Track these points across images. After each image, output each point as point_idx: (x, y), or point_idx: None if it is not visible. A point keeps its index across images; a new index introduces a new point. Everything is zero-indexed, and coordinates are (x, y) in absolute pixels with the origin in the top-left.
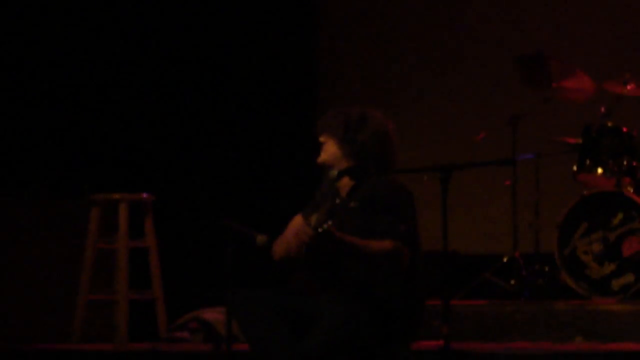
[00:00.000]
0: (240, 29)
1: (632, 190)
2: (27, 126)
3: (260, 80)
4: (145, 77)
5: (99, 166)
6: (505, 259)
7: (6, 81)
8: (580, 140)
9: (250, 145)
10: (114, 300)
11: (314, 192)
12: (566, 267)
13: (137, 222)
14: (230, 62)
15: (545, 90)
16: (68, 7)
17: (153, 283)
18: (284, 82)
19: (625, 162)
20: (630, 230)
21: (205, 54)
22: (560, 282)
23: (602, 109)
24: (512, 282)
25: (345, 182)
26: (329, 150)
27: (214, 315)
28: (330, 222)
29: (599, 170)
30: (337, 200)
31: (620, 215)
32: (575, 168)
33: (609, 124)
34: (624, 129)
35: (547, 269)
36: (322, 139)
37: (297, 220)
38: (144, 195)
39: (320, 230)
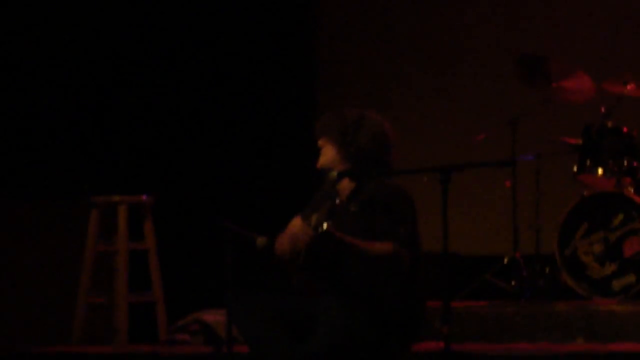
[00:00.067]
0: (239, 30)
1: (632, 191)
2: (26, 128)
3: (259, 81)
4: (144, 80)
5: (98, 168)
6: (505, 260)
7: (6, 82)
8: (580, 141)
9: (250, 146)
10: (114, 303)
11: (313, 193)
12: (567, 267)
13: (137, 224)
14: (229, 63)
15: (545, 90)
16: (67, 9)
17: (153, 285)
18: (283, 83)
19: (625, 163)
20: (631, 231)
21: (204, 57)
22: (561, 283)
23: (602, 109)
24: (513, 283)
25: (346, 185)
26: (328, 154)
27: (214, 317)
28: (330, 222)
29: (600, 171)
30: (337, 202)
31: (620, 216)
32: (575, 168)
33: (609, 125)
34: (625, 129)
35: (547, 269)
36: (320, 142)
37: (297, 221)
38: (144, 197)
39: (320, 230)
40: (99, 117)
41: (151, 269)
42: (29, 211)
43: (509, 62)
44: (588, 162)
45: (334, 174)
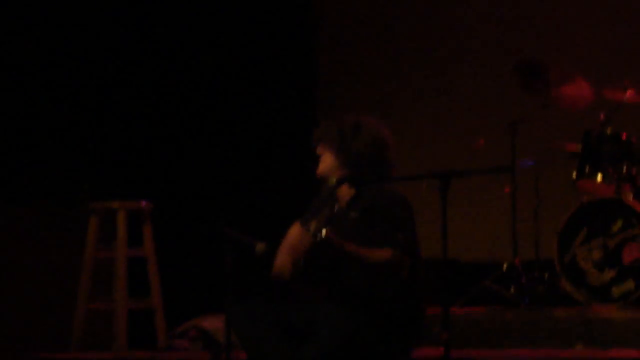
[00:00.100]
0: (239, 36)
1: (631, 197)
2: (25, 135)
3: (258, 85)
4: (144, 87)
5: (97, 174)
6: (505, 266)
7: (7, 88)
8: (579, 147)
9: (249, 152)
10: (113, 309)
11: (312, 199)
12: (566, 274)
13: (136, 230)
14: (228, 69)
15: (545, 96)
16: (66, 11)
17: (152, 291)
18: (283, 87)
19: (624, 169)
20: (630, 237)
21: (205, 64)
22: (560, 289)
23: (602, 116)
24: (512, 289)
25: (345, 192)
26: (326, 162)
27: (213, 323)
28: (329, 229)
29: (599, 177)
30: (336, 208)
31: (620, 222)
32: (574, 175)
33: (609, 131)
34: (624, 136)
35: (547, 276)
36: (319, 150)
37: (295, 229)
38: (143, 203)
39: (319, 236)
40: (99, 122)
41: (150, 275)
42: (28, 217)
43: (509, 69)
44: (587, 169)
45: (333, 180)
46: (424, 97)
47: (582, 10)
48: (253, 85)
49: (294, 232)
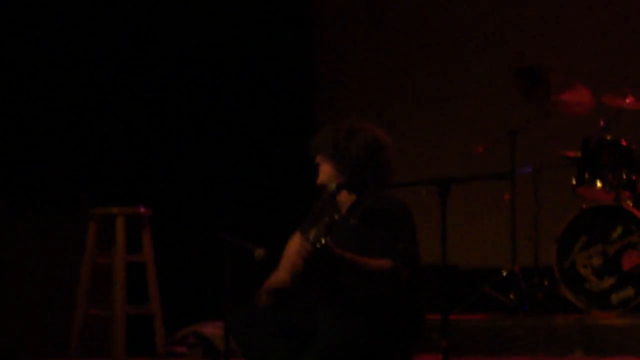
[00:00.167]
0: (237, 41)
1: (631, 204)
2: (24, 140)
3: (258, 87)
4: (142, 90)
5: (96, 180)
6: (504, 273)
7: (6, 94)
8: (579, 154)
9: (249, 158)
10: (112, 315)
11: (312, 205)
12: (565, 280)
13: (135, 236)
14: (227, 75)
15: (544, 103)
16: (65, 14)
17: (151, 297)
18: (282, 94)
19: (624, 176)
20: (630, 244)
21: (203, 70)
22: (559, 296)
23: (601, 122)
24: (511, 296)
25: (345, 198)
26: (325, 170)
27: (212, 329)
28: (328, 238)
29: (598, 184)
30: (336, 216)
31: (619, 229)
32: (574, 181)
33: (608, 138)
34: (623, 142)
35: (546, 282)
36: (317, 160)
37: (295, 241)
38: (142, 209)
39: (318, 245)
40: (97, 128)
41: (149, 281)
42: (27, 223)
43: (508, 75)
44: (587, 175)
45: (333, 186)
46: (423, 104)
47: (582, 17)
48: (252, 87)
49: (295, 244)
